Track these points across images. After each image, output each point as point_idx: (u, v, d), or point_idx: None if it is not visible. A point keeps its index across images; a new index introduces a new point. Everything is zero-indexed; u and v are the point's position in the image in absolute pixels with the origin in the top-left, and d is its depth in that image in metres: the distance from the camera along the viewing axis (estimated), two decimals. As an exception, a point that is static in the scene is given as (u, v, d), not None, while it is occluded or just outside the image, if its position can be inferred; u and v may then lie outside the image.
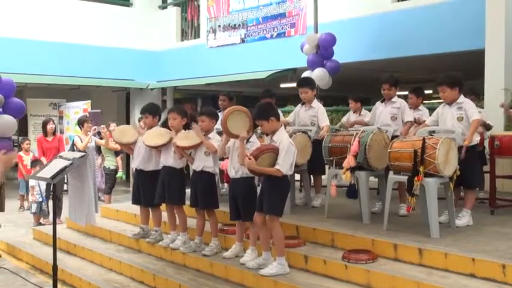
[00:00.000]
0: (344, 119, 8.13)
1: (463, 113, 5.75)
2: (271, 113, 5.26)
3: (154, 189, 6.54)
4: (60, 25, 14.28)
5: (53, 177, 5.23)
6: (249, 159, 5.07)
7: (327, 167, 6.88)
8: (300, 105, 7.25)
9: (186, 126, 6.54)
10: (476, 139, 5.86)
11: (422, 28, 10.17)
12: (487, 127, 6.98)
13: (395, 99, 6.62)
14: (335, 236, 5.72)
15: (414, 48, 10.34)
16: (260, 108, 5.38)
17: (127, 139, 6.82)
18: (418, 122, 6.46)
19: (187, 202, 6.34)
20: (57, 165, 5.38)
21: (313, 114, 7.02)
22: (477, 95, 7.51)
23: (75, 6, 14.69)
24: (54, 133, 10.47)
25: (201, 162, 6.06)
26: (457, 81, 5.83)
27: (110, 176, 11.22)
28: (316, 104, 7.09)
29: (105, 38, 14.92)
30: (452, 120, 5.80)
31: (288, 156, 5.11)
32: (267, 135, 5.43)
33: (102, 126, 10.21)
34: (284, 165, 5.08)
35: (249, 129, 5.46)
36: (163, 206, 6.71)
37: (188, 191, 6.36)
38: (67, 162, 5.27)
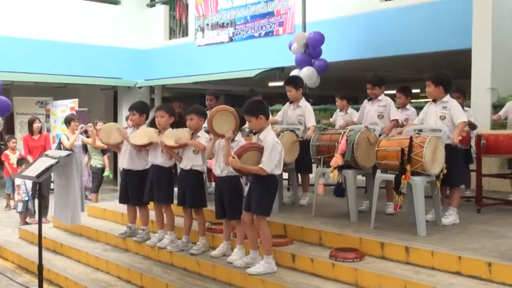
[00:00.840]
0: (331, 119, 8.14)
1: (447, 112, 5.77)
2: (261, 110, 5.24)
3: (143, 188, 6.50)
4: (47, 23, 14.17)
5: (39, 176, 5.18)
6: (233, 157, 5.05)
7: (314, 165, 6.89)
8: (288, 103, 7.25)
9: (174, 125, 6.52)
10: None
11: (410, 27, 10.21)
12: (472, 126, 7.02)
13: (381, 97, 6.63)
14: (322, 234, 5.73)
15: (402, 47, 10.37)
16: (250, 104, 5.36)
17: (114, 139, 6.76)
18: (402, 125, 6.47)
19: (175, 201, 6.32)
20: (42, 164, 5.32)
21: (301, 114, 7.02)
22: (464, 94, 7.54)
23: (62, 4, 14.58)
24: (40, 131, 10.39)
25: (190, 161, 6.03)
26: (443, 80, 5.86)
27: (97, 175, 11.17)
28: (304, 103, 7.09)
29: (92, 36, 14.83)
30: (435, 119, 5.83)
31: (273, 155, 5.08)
32: (254, 133, 5.41)
33: (89, 124, 10.15)
34: (268, 164, 5.06)
35: (234, 129, 5.44)
36: (150, 205, 6.68)
37: (176, 189, 6.33)
38: (53, 161, 5.22)
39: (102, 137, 6.91)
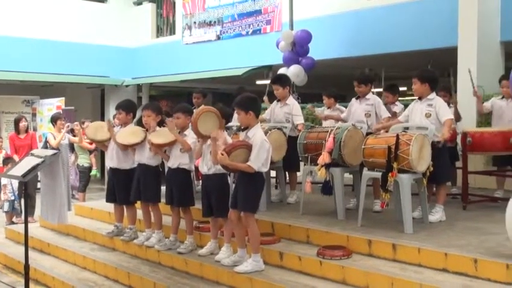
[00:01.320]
0: (319, 110, 8.08)
1: (432, 110, 5.80)
2: (251, 106, 5.24)
3: (130, 187, 6.48)
4: (33, 21, 14.07)
5: (24, 175, 5.15)
6: (222, 154, 5.05)
7: (302, 163, 6.90)
8: (275, 102, 7.25)
9: (161, 123, 6.50)
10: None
11: (397, 26, 10.26)
12: (457, 118, 7.05)
13: (369, 96, 6.64)
14: (310, 232, 5.74)
15: (389, 46, 10.42)
16: (243, 98, 5.36)
17: (100, 136, 6.73)
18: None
19: (163, 199, 6.30)
20: (28, 163, 5.29)
21: (288, 111, 7.02)
22: (449, 92, 7.59)
23: (49, 2, 14.49)
24: (26, 130, 10.32)
25: (177, 160, 6.02)
26: (429, 78, 5.89)
27: (84, 174, 11.11)
28: (291, 101, 7.09)
29: (79, 34, 14.75)
30: (420, 116, 5.86)
31: (261, 153, 5.09)
32: (242, 130, 5.42)
33: (76, 123, 10.09)
34: (256, 161, 5.07)
35: (219, 127, 5.44)
36: (138, 204, 6.66)
37: (163, 188, 6.32)
38: (39, 160, 5.19)
39: (89, 133, 6.86)
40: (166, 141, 6.02)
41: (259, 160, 5.08)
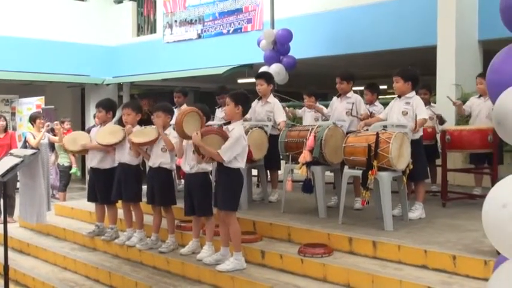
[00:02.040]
0: (299, 111, 8.13)
1: (410, 108, 5.86)
2: (243, 102, 5.26)
3: (111, 186, 6.45)
4: (12, 19, 13.92)
5: (3, 175, 5.09)
6: (196, 134, 5.07)
7: (283, 162, 6.92)
8: (256, 100, 7.25)
9: (142, 122, 6.48)
10: (420, 133, 5.98)
11: (377, 25, 10.33)
12: (441, 121, 7.15)
13: (350, 94, 6.69)
14: (291, 230, 5.76)
15: (369, 45, 10.50)
16: (238, 92, 5.40)
17: (78, 147, 6.66)
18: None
19: (144, 199, 6.29)
20: (7, 163, 5.24)
21: (270, 110, 7.04)
22: (430, 91, 7.67)
23: (27, 0, 14.33)
24: (5, 130, 10.19)
25: (158, 159, 6.00)
26: (412, 77, 5.96)
27: (64, 173, 11.02)
28: (273, 100, 7.11)
29: (59, 32, 14.62)
30: (397, 114, 5.92)
31: (235, 146, 5.07)
32: (224, 125, 5.43)
33: (56, 122, 9.99)
34: (227, 152, 5.04)
35: (201, 126, 5.44)
36: (119, 203, 6.63)
37: (145, 187, 6.30)
38: (18, 160, 5.14)
39: (68, 145, 6.77)
40: (147, 140, 6.00)
41: (232, 152, 5.06)
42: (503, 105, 2.45)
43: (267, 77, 7.22)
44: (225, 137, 5.14)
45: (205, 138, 5.09)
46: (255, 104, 7.22)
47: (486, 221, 2.30)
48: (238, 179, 5.24)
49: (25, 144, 9.88)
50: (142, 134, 6.09)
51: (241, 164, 5.20)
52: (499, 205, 2.21)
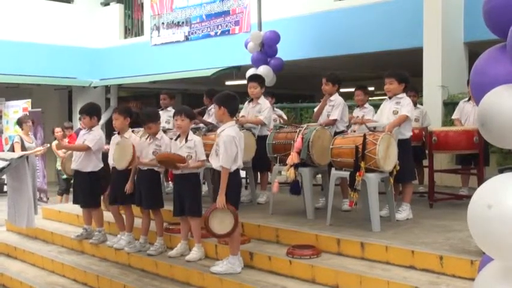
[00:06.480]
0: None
1: (399, 107, 5.90)
2: (225, 103, 5.26)
3: (89, 190, 6.45)
4: (-2, 22, 13.84)
5: (-10, 178, 5.08)
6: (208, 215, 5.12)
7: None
8: (247, 102, 7.26)
9: (132, 125, 6.47)
10: (408, 134, 6.02)
11: (364, 26, 10.39)
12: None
13: (334, 97, 6.68)
14: (280, 232, 5.78)
15: (356, 46, 10.55)
16: (220, 94, 5.42)
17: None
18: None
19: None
20: (-6, 166, 5.22)
21: (259, 111, 7.05)
22: (417, 93, 7.72)
23: (14, 2, 14.24)
24: (-8, 133, 10.15)
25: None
26: (406, 78, 6.02)
27: (66, 177, 10.90)
28: (263, 101, 7.12)
29: (45, 35, 14.55)
30: (388, 114, 5.95)
31: (228, 151, 5.05)
32: (211, 130, 5.44)
33: (58, 129, 10.01)
34: (226, 162, 5.05)
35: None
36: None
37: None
38: (4, 163, 5.12)
39: (68, 169, 6.95)
40: (128, 159, 5.96)
41: (228, 158, 5.06)
42: (487, 107, 2.48)
43: (260, 81, 7.23)
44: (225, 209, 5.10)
45: (213, 217, 5.09)
46: (246, 105, 7.23)
47: (471, 222, 2.33)
48: (236, 178, 5.25)
49: (12, 148, 9.82)
50: (120, 155, 6.04)
51: (238, 163, 5.21)
52: (484, 206, 2.24)
